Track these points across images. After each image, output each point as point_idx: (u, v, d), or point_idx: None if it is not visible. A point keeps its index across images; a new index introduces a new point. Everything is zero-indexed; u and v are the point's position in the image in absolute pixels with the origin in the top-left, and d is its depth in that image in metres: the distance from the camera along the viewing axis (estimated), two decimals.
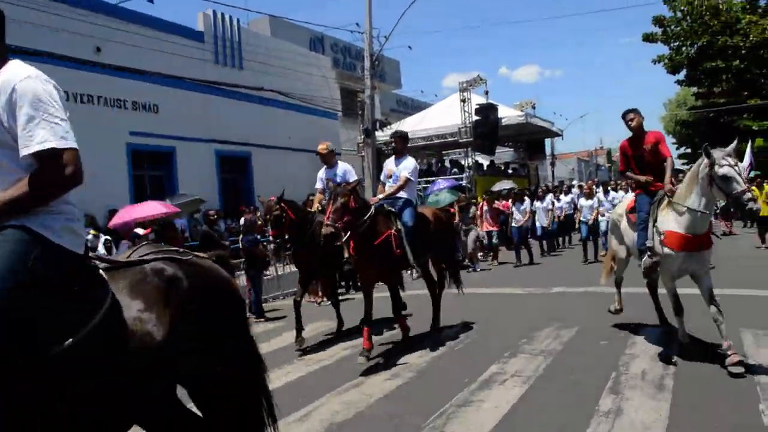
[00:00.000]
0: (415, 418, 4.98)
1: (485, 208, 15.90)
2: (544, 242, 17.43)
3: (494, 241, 15.93)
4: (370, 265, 7.10)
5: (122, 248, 10.24)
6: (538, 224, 16.90)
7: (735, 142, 5.67)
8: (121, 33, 15.45)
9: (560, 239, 18.91)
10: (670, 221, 5.85)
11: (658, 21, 31.22)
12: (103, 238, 12.29)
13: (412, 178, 7.61)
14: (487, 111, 21.62)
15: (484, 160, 26.75)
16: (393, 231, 7.03)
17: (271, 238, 8.84)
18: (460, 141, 22.46)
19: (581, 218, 15.31)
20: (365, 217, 6.82)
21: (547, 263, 15.69)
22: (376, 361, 6.95)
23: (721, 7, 29.26)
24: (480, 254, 16.28)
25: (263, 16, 24.59)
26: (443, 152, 27.83)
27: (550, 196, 17.65)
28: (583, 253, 15.04)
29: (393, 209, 7.36)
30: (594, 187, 17.12)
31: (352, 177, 8.10)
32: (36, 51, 13.68)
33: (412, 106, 36.34)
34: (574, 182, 32.49)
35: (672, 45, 31.77)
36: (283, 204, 7.77)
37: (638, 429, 4.40)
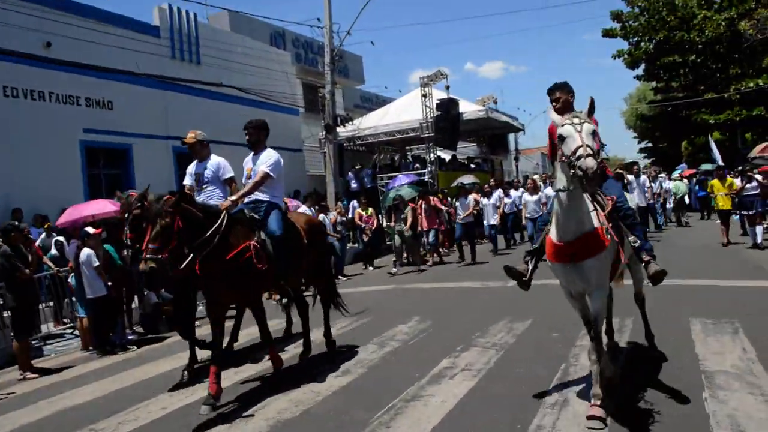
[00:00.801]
0: (362, 414, 4.93)
1: (424, 206, 15.04)
2: (495, 239, 16.38)
3: (431, 240, 14.98)
4: (222, 285, 5.62)
5: (72, 248, 9.98)
6: (485, 222, 16.29)
7: (589, 101, 4.32)
8: (73, 28, 15.03)
9: (509, 236, 17.65)
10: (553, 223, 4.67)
11: (616, 16, 31.67)
12: (54, 238, 12.02)
13: (272, 174, 6.33)
14: (448, 106, 21.60)
15: (446, 155, 26.80)
16: (253, 242, 5.71)
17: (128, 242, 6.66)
18: (422, 136, 22.41)
19: (526, 214, 15.26)
20: (210, 232, 5.39)
21: (506, 257, 15.55)
22: (328, 357, 6.87)
23: (677, 2, 29.77)
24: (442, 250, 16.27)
25: (222, 11, 24.14)
26: (406, 147, 27.84)
27: (498, 192, 16.88)
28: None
29: (256, 215, 6.12)
30: (540, 182, 17.18)
31: (227, 173, 6.96)
32: None
33: (376, 102, 36.20)
34: (536, 176, 32.79)
35: (631, 40, 32.24)
36: (178, 204, 5.29)
37: (582, 420, 4.40)
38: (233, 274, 5.58)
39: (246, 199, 6.31)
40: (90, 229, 8.88)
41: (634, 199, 14.12)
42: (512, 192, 17.86)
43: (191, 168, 7.19)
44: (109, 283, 8.78)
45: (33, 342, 8.93)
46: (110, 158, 16.88)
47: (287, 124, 23.81)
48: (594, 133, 4.09)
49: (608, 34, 32.38)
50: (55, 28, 14.70)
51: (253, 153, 6.72)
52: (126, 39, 16.44)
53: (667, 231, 18.07)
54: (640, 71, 33.74)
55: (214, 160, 7.06)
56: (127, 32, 16.69)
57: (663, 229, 18.35)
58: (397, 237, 14.69)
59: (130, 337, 9.76)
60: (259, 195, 6.32)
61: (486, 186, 16.98)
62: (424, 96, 22.15)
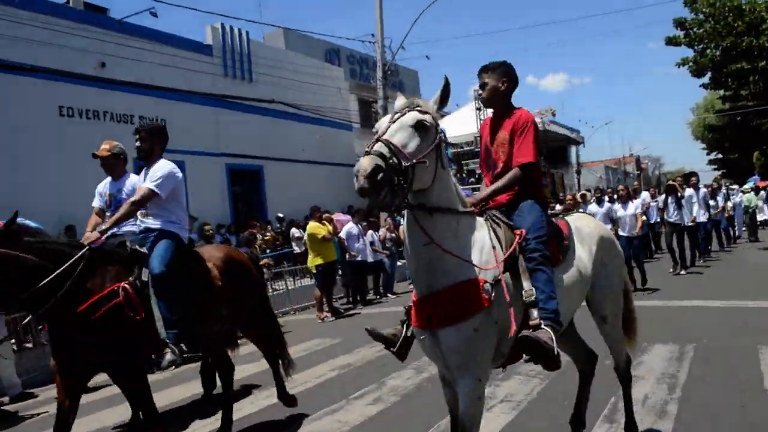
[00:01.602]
0: None
1: None
2: None
3: None
4: (77, 347, 4.25)
5: None
6: None
7: (443, 83, 3.07)
8: (127, 48, 15.37)
9: None
10: None
11: (680, 24, 30.51)
12: None
13: (159, 192, 4.85)
14: None
15: None
16: (123, 284, 4.35)
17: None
18: (476, 150, 21.98)
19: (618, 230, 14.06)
20: (51, 277, 4.13)
21: None
22: (363, 383, 6.55)
23: (744, 7, 28.46)
24: None
25: (278, 30, 24.46)
26: (462, 162, 27.42)
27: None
28: None
29: (143, 249, 4.70)
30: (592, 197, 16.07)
31: None
32: (39, 67, 13.70)
33: None
34: (584, 192, 31.78)
35: (696, 48, 31.01)
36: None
37: None
38: (91, 331, 4.19)
39: (136, 227, 5.11)
40: None
41: (687, 215, 12.67)
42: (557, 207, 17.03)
43: (102, 187, 5.80)
44: None
45: None
46: None
47: (340, 140, 23.81)
48: (418, 127, 2.87)
49: (672, 42, 31.23)
50: (110, 49, 15.03)
51: (145, 166, 5.19)
52: (179, 58, 16.68)
53: (737, 248, 17.06)
54: (706, 79, 32.38)
55: (133, 179, 5.60)
56: (180, 51, 16.98)
57: (731, 246, 17.31)
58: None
59: None
60: (148, 221, 4.97)
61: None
62: (479, 109, 21.75)
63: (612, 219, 11.51)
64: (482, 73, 3.64)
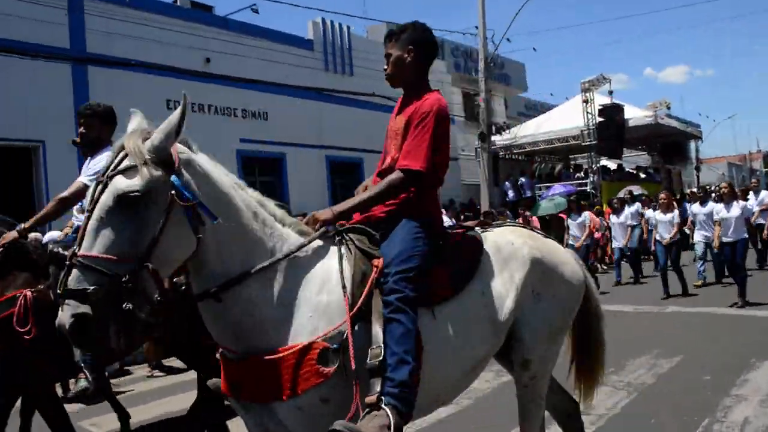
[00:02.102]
0: None
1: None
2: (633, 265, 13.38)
3: None
4: None
5: None
6: (615, 244, 13.42)
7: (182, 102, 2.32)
8: (230, 44, 15.76)
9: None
10: None
11: None
12: None
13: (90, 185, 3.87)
14: (612, 112, 20.11)
15: (612, 164, 25.02)
16: (27, 292, 3.71)
17: None
18: (583, 144, 21.06)
19: (656, 236, 11.26)
20: None
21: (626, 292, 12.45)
22: None
23: None
24: None
25: (381, 24, 24.37)
26: (570, 156, 26.43)
27: (635, 207, 14.29)
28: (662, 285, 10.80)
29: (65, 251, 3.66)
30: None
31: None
32: (149, 63, 14.30)
33: (541, 110, 34.90)
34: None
35: None
36: None
37: None
38: None
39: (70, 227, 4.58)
40: None
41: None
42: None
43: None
44: None
45: None
46: (265, 167, 17.51)
47: None
48: (126, 205, 2.04)
49: None
50: (214, 45, 15.48)
51: (90, 157, 4.42)
52: (281, 53, 16.93)
53: None
54: None
55: (96, 159, 4.35)
56: (281, 46, 17.21)
57: None
58: None
59: None
60: (78, 219, 4.37)
61: (615, 200, 14.43)
62: (586, 102, 20.85)
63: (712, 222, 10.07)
64: (386, 41, 2.92)
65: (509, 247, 2.95)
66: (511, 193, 22.56)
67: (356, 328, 2.35)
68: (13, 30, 12.18)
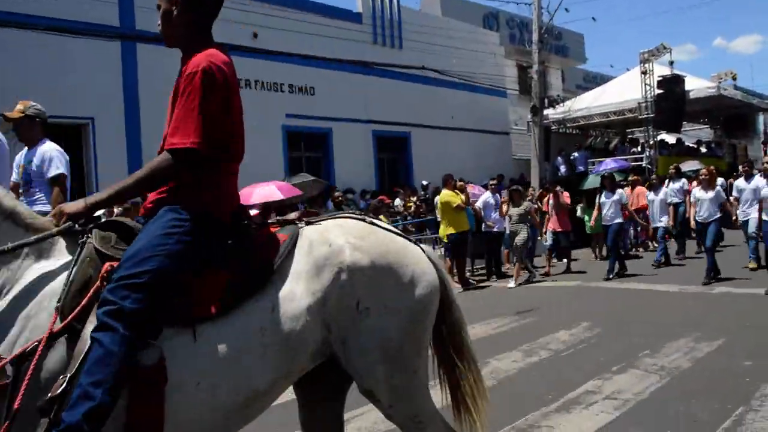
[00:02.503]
0: None
1: (551, 201, 12.95)
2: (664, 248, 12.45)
3: (549, 243, 13.14)
4: None
5: None
6: (656, 224, 12.70)
7: None
8: (278, 18, 15.72)
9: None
10: None
11: None
12: None
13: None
14: (672, 83, 19.25)
15: (671, 138, 24.08)
16: None
17: None
18: (640, 117, 20.32)
19: (696, 217, 10.49)
20: None
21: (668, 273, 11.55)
22: None
23: None
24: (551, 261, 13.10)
25: None
26: (627, 130, 25.55)
27: (679, 184, 13.18)
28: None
29: None
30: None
31: (52, 170, 4.77)
32: None
33: (601, 82, 33.80)
34: None
35: None
36: None
37: None
38: None
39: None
40: (252, 212, 9.02)
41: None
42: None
43: (19, 157, 5.01)
44: None
45: None
46: (311, 142, 17.54)
47: (493, 107, 23.09)
48: None
49: None
50: (261, 19, 15.46)
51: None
52: (329, 27, 16.81)
53: None
54: None
55: (45, 148, 4.84)
56: (330, 20, 17.09)
57: None
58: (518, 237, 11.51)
59: None
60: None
61: (654, 176, 13.74)
62: (644, 73, 20.05)
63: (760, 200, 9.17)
64: None
65: (324, 249, 2.36)
66: (563, 168, 21.98)
67: (55, 351, 1.93)
68: (63, 9, 12.44)
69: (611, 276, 10.91)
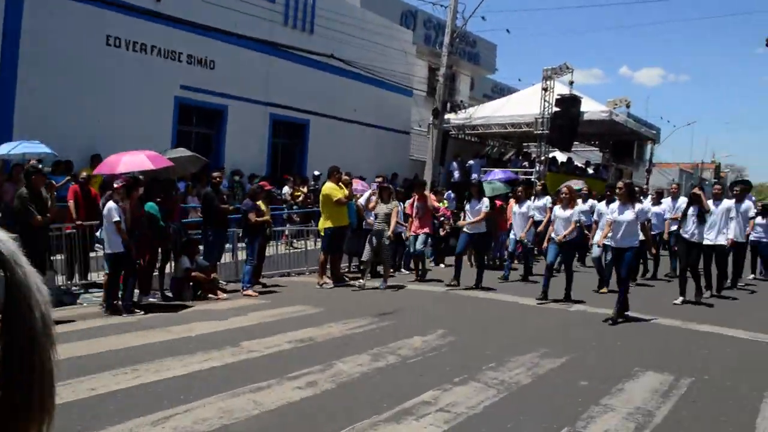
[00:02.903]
0: None
1: (416, 204, 12.39)
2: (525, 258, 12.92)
3: (418, 247, 12.18)
4: None
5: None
6: (512, 236, 12.79)
7: None
8: None
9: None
10: None
11: None
12: None
13: None
14: (568, 103, 19.88)
15: (562, 156, 24.93)
16: None
17: None
18: (536, 132, 20.87)
19: (551, 234, 10.09)
20: None
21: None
22: (311, 361, 5.98)
23: None
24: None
25: None
26: (523, 144, 26.24)
27: (543, 201, 13.55)
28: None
29: None
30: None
31: None
32: None
33: (509, 94, 34.71)
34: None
35: None
36: None
37: None
38: None
39: None
40: (116, 183, 8.49)
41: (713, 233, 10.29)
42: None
43: None
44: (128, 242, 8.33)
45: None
46: (204, 117, 16.85)
47: (397, 105, 23.06)
48: None
49: None
50: None
51: None
52: (239, 1, 16.18)
53: None
54: None
55: None
56: None
57: None
58: (373, 239, 11.00)
59: (151, 300, 9.40)
60: None
61: (518, 189, 12.93)
62: (545, 90, 20.58)
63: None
64: None
65: None
66: (456, 174, 22.30)
67: None
68: None
69: (478, 285, 10.91)
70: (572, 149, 25.17)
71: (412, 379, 5.55)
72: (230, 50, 16.55)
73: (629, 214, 8.47)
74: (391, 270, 11.72)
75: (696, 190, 10.35)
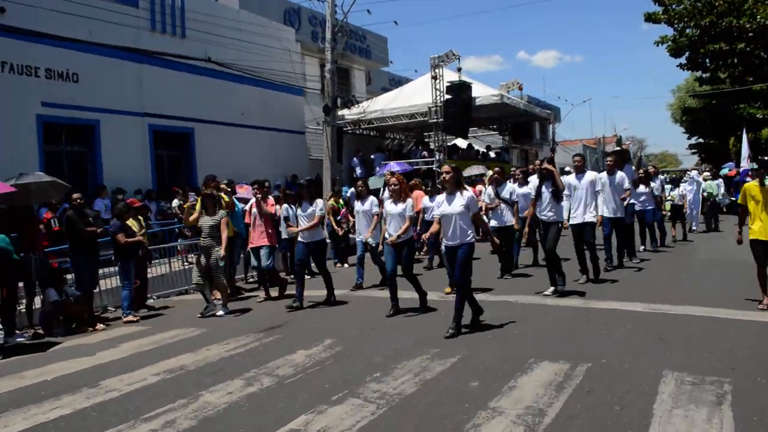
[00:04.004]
0: None
1: (254, 210, 10.58)
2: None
3: (265, 263, 10.25)
4: None
5: None
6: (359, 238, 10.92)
7: None
8: None
9: None
10: None
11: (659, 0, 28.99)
12: None
13: None
14: (459, 90, 19.78)
15: (462, 143, 24.94)
16: None
17: None
18: (430, 121, 20.66)
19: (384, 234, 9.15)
20: None
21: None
22: (177, 394, 5.27)
23: None
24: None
25: None
26: (424, 134, 26.08)
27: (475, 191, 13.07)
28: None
29: None
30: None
31: None
32: None
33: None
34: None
35: (676, 26, 29.50)
36: None
37: None
38: None
39: None
40: None
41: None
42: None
43: None
44: None
45: None
46: (73, 134, 15.58)
47: (288, 105, 22.32)
48: None
49: (650, 18, 29.68)
50: None
51: None
52: (97, 9, 15.02)
53: (693, 241, 15.61)
54: (683, 59, 30.87)
55: None
56: (99, 2, 15.30)
57: (664, 246, 14.15)
58: (201, 258, 9.42)
59: (18, 340, 8.42)
60: None
61: (359, 183, 11.02)
62: (434, 78, 20.38)
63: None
64: None
65: None
66: (359, 170, 21.88)
67: None
68: None
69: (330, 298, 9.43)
70: (471, 135, 25.23)
71: (285, 403, 4.94)
72: (94, 60, 15.40)
73: (458, 206, 6.94)
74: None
75: (546, 165, 8.84)
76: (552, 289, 8.69)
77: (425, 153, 22.12)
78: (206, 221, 9.26)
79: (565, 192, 9.14)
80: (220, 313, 9.08)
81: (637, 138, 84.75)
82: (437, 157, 20.81)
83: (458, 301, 6.89)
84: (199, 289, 9.55)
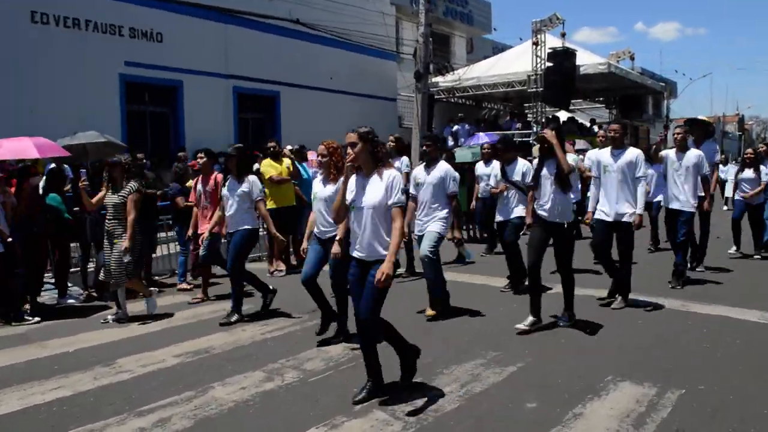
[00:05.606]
0: None
1: (199, 187, 7.92)
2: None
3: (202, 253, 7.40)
4: None
5: None
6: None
7: None
8: None
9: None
10: None
11: None
12: None
13: None
14: (561, 57, 18.21)
15: (563, 116, 23.24)
16: None
17: None
18: (529, 90, 19.23)
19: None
20: None
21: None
22: (191, 382, 4.62)
23: None
24: None
25: None
26: (524, 104, 24.56)
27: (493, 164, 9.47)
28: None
29: None
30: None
31: None
32: None
33: None
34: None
35: None
36: None
37: None
38: None
39: None
40: None
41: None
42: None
43: None
44: (9, 239, 6.98)
45: None
46: (156, 95, 15.43)
47: (381, 70, 21.46)
48: None
49: None
50: None
51: None
52: None
53: None
54: None
55: None
56: None
57: None
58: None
59: (70, 302, 8.16)
60: None
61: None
62: (536, 44, 18.90)
63: None
64: None
65: None
66: (451, 141, 20.80)
67: None
68: None
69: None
70: (574, 107, 23.54)
71: (300, 407, 4.17)
72: (178, 20, 15.12)
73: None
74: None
75: (547, 133, 5.94)
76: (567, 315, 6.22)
77: (519, 125, 20.67)
78: (112, 198, 6.85)
79: (593, 173, 6.88)
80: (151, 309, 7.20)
81: (761, 118, 77.73)
82: (534, 129, 19.38)
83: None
84: (112, 289, 7.04)
